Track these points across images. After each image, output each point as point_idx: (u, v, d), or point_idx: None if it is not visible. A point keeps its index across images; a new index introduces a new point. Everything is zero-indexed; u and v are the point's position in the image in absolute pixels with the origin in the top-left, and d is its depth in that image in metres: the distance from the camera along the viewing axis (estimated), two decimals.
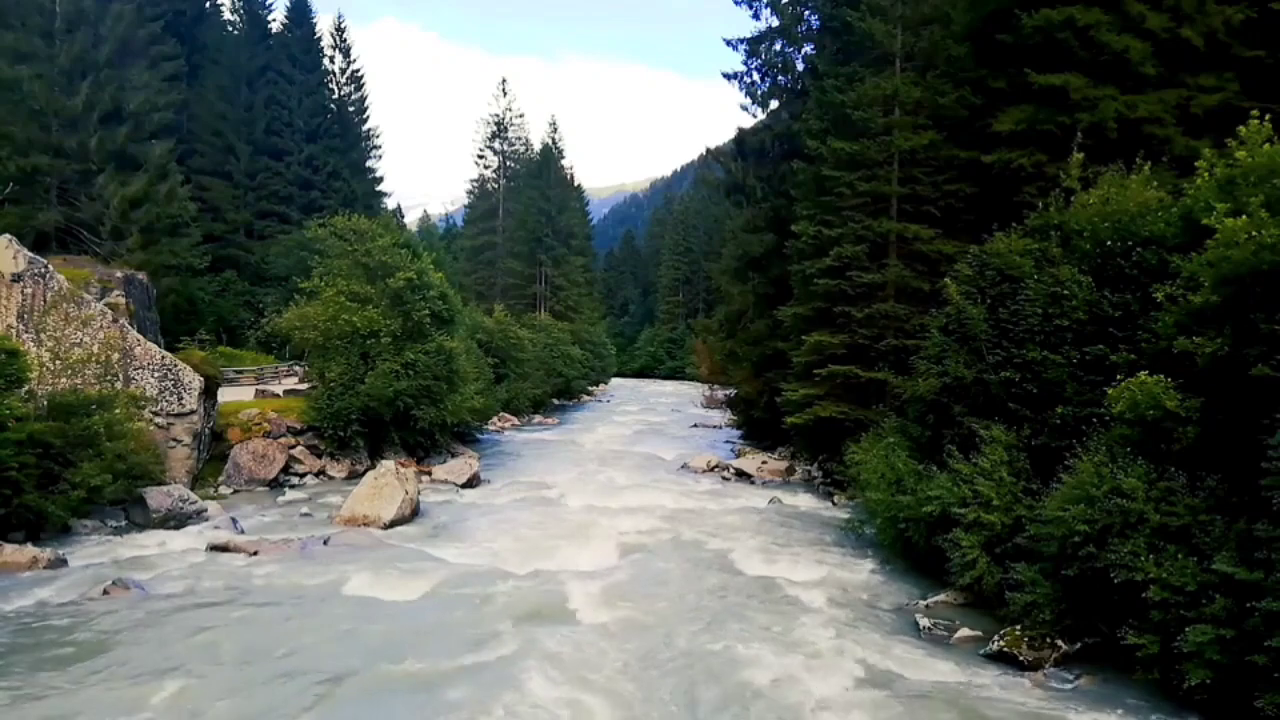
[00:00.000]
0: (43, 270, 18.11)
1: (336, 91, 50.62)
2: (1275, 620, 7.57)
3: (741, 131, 31.35)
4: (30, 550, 13.06)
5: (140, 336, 19.55)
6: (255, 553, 14.14)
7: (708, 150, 37.00)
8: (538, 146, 70.32)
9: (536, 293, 63.28)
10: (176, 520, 16.19)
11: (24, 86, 27.04)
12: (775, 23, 29.19)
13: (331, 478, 22.51)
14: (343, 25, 51.27)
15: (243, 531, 16.03)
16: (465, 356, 28.67)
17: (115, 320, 18.95)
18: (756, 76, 29.68)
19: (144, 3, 33.14)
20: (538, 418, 44.38)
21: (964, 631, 11.14)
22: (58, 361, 17.07)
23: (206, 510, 16.89)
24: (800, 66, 28.96)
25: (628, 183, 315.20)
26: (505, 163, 69.57)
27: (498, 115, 69.31)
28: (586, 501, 20.17)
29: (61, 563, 13.13)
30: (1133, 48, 16.39)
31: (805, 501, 21.07)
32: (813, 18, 28.50)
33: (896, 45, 21.90)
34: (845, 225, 20.85)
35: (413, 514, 17.80)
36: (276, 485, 21.07)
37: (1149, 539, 9.14)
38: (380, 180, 53.95)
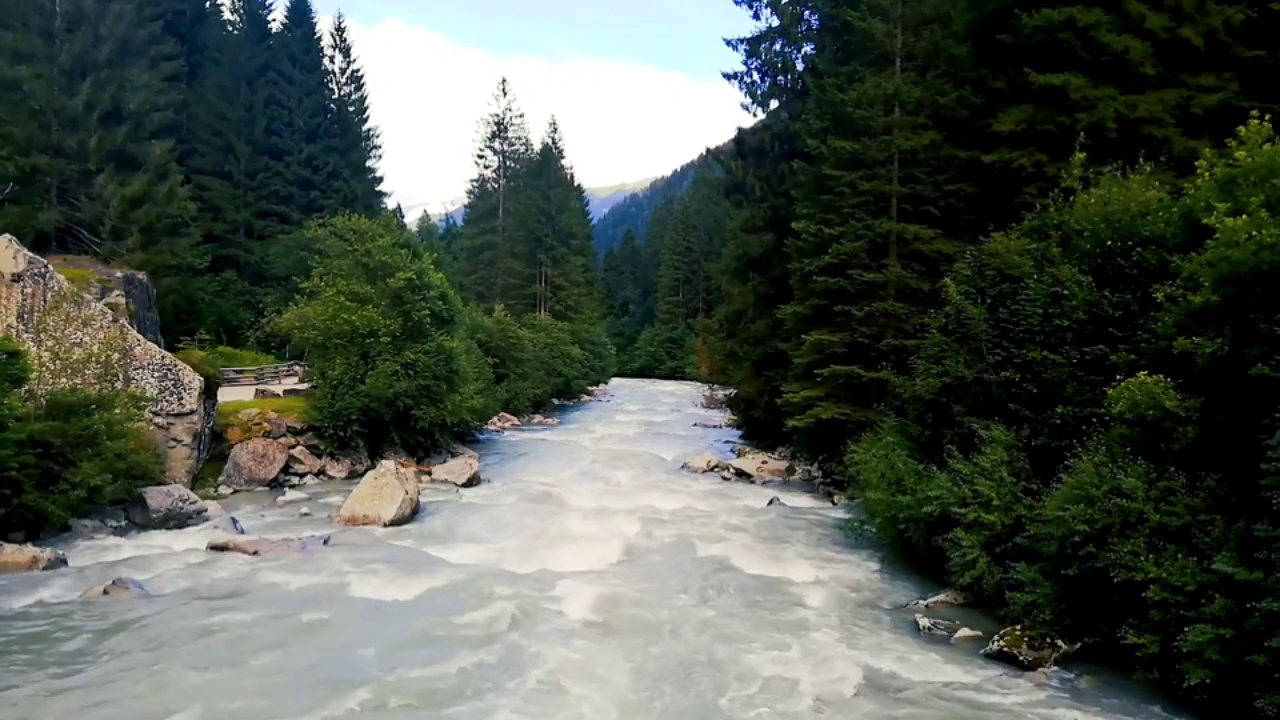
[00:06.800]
0: (43, 270, 18.10)
1: (336, 91, 50.55)
2: (1275, 620, 7.57)
3: (741, 131, 31.33)
4: (30, 550, 13.05)
5: (140, 336, 19.55)
6: (255, 552, 14.14)
7: (708, 150, 37.00)
8: (538, 146, 70.38)
9: (536, 293, 63.26)
10: (176, 520, 16.19)
11: (24, 86, 27.02)
12: (775, 23, 29.18)
13: (331, 478, 22.51)
14: (342, 25, 51.25)
15: (243, 531, 16.03)
16: (465, 356, 28.68)
17: (115, 320, 18.95)
18: (756, 76, 29.67)
19: (144, 3, 33.04)
20: (538, 417, 44.38)
21: (964, 631, 11.15)
22: (58, 361, 17.10)
23: (206, 510, 16.88)
24: (800, 66, 28.94)
25: (628, 183, 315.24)
26: (505, 163, 69.54)
27: (498, 115, 69.34)
28: (587, 501, 20.19)
29: (61, 563, 13.13)
30: (1133, 48, 16.39)
31: (805, 501, 21.08)
32: (813, 18, 28.48)
33: (897, 45, 21.90)
34: (846, 223, 20.85)
35: (413, 514, 17.80)
36: (276, 485, 21.07)
37: (1149, 539, 9.15)
38: (380, 180, 53.90)
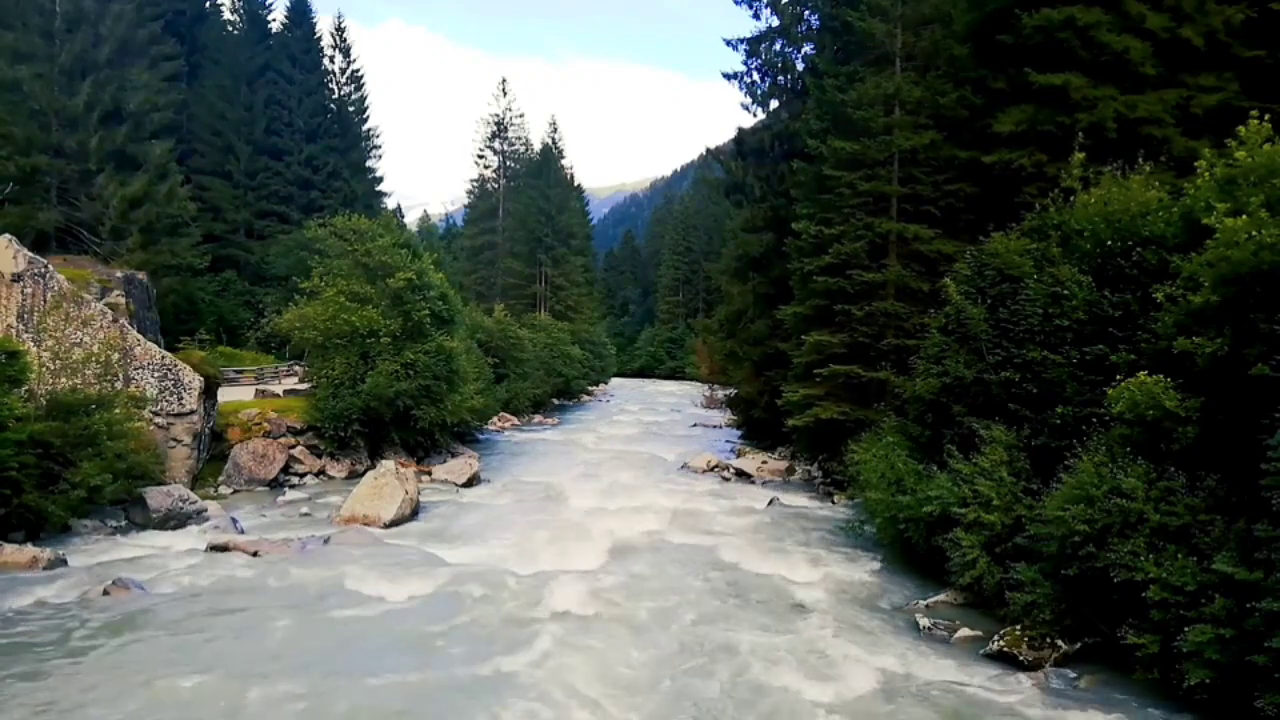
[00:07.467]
0: (43, 270, 18.10)
1: (336, 91, 50.55)
2: (1275, 620, 7.57)
3: (741, 131, 31.35)
4: (30, 550, 13.05)
5: (140, 336, 19.55)
6: (255, 553, 14.13)
7: (708, 150, 37.01)
8: (538, 146, 70.44)
9: (536, 292, 63.29)
10: (176, 520, 16.18)
11: (24, 86, 27.03)
12: (775, 23, 29.20)
13: (331, 478, 22.51)
14: (342, 25, 51.24)
15: (243, 531, 16.04)
16: (465, 356, 28.69)
17: (115, 320, 18.95)
18: (756, 76, 29.69)
19: (144, 3, 33.06)
20: (538, 417, 44.38)
21: (964, 631, 11.14)
22: (58, 361, 17.08)
23: (206, 510, 16.88)
24: (800, 66, 28.96)
25: (628, 183, 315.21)
26: (505, 162, 69.58)
27: (498, 115, 69.39)
28: (586, 501, 20.17)
29: (61, 563, 13.12)
30: (1133, 48, 16.40)
31: (805, 501, 21.07)
32: (813, 17, 28.49)
33: (896, 45, 21.90)
34: (846, 223, 20.86)
35: (413, 514, 17.81)
36: (276, 485, 21.07)
37: (1149, 539, 9.15)
38: (380, 180, 53.90)
